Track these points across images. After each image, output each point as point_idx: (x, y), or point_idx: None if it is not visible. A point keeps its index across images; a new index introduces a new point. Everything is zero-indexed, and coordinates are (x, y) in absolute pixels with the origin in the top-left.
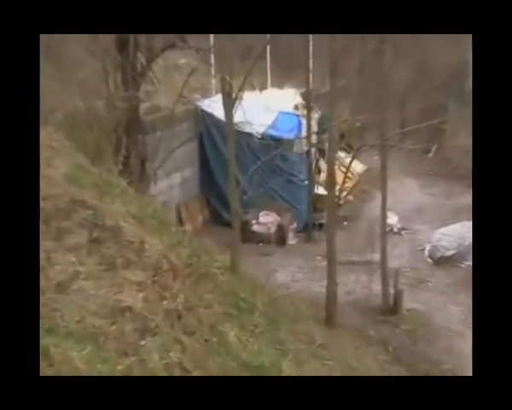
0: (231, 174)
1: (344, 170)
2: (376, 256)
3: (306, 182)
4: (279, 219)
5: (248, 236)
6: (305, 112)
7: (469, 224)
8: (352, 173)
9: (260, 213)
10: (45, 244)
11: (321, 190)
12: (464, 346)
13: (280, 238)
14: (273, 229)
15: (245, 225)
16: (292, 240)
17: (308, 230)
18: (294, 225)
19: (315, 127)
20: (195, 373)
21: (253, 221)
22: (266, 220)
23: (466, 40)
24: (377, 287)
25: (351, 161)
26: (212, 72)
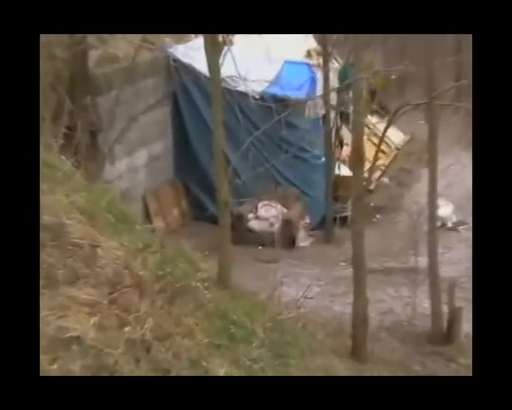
0: (218, 150)
1: (376, 141)
2: (423, 262)
3: (323, 159)
4: (285, 211)
5: (243, 235)
6: (320, 61)
7: None
8: (388, 146)
9: (260, 204)
10: None
11: (344, 171)
12: None
13: (287, 238)
14: (277, 225)
15: (238, 221)
16: (304, 241)
17: (326, 226)
18: (307, 220)
19: (335, 82)
20: None
21: (250, 215)
22: (268, 214)
23: None
24: (425, 304)
25: (385, 129)
26: None
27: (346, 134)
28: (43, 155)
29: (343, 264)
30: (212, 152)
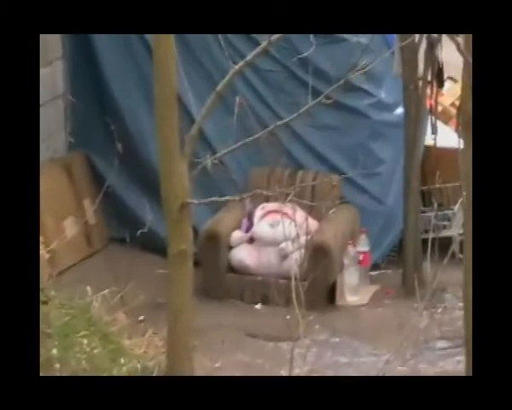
0: (164, 89)
1: None
2: None
3: (399, 111)
4: (314, 225)
5: (222, 279)
6: None
7: None
8: None
9: (258, 211)
10: None
11: (445, 137)
12: None
13: (320, 286)
14: (297, 257)
15: (211, 249)
16: (356, 292)
17: (405, 259)
18: (363, 248)
19: None
20: None
21: (237, 234)
22: (276, 231)
23: None
24: None
25: None
26: None
27: (452, 58)
28: None
29: (443, 344)
30: (149, 94)
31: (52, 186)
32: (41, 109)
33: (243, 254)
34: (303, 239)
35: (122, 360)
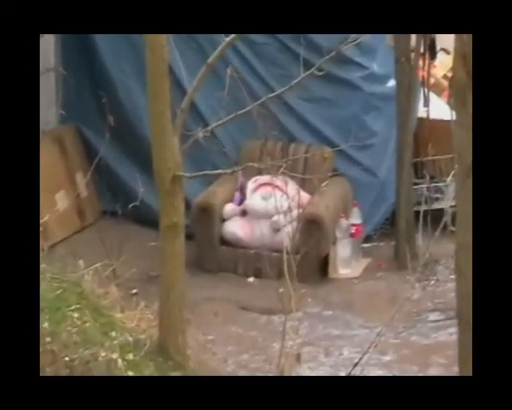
0: (155, 60)
1: None
2: None
3: (391, 83)
4: (307, 198)
5: (214, 252)
6: None
7: None
8: None
9: (251, 184)
10: None
11: (438, 109)
12: None
13: (312, 259)
14: (289, 230)
15: (204, 221)
16: (348, 264)
17: (397, 231)
18: (355, 220)
19: None
20: None
21: (230, 207)
22: (268, 204)
23: None
24: None
25: None
26: None
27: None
28: None
29: (436, 316)
30: (142, 67)
31: (43, 159)
32: None
33: (236, 227)
34: (295, 212)
35: (114, 334)
